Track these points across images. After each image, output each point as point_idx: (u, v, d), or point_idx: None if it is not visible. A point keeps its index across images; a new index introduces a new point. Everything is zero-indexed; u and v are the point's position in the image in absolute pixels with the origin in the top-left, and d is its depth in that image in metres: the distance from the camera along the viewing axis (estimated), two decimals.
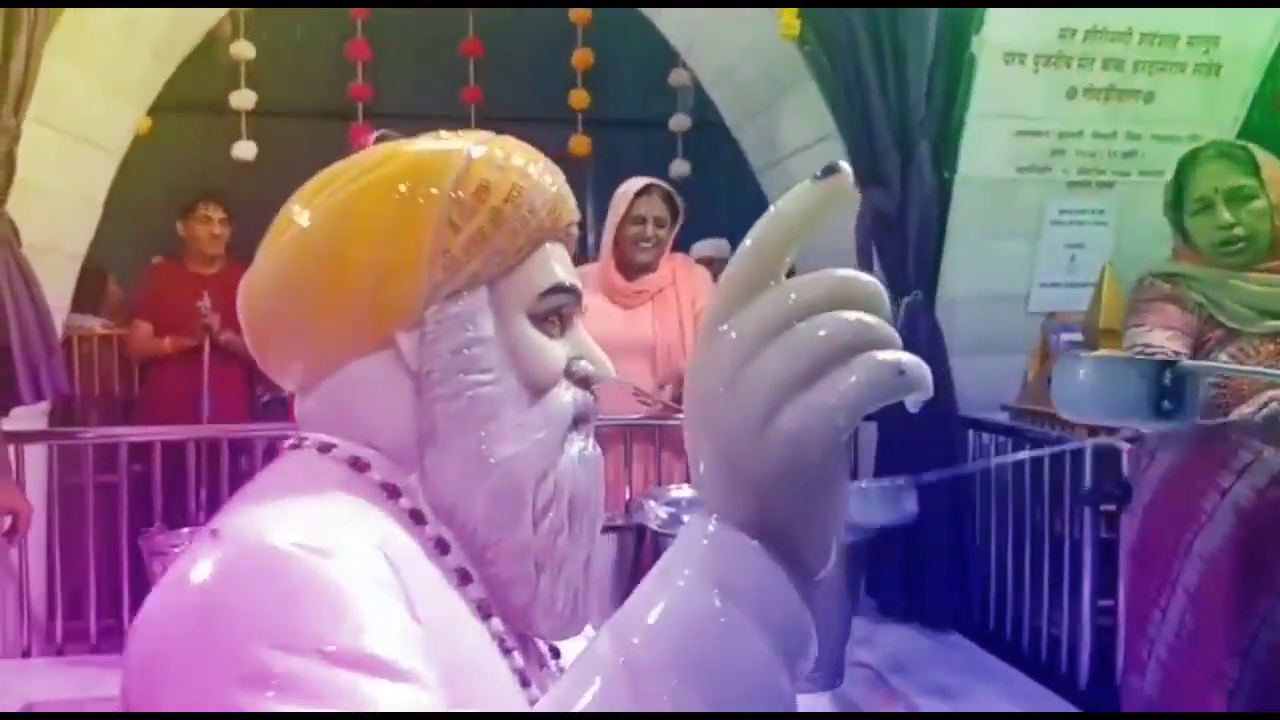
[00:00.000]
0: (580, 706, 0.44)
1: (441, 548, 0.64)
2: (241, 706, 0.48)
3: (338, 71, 4.08)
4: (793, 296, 0.44)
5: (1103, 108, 2.80)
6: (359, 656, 0.51)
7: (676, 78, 4.06)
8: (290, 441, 0.68)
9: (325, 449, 0.66)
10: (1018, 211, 2.82)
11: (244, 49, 3.82)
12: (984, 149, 2.75)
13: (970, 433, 2.80)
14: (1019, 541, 2.67)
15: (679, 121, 4.18)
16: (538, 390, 0.66)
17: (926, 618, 2.73)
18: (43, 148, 2.62)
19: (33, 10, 2.47)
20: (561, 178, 0.72)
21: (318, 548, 0.54)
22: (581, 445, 0.68)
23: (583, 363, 0.69)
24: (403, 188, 0.67)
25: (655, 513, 2.62)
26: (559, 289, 0.68)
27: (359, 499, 0.63)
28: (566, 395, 0.67)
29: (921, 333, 2.75)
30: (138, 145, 3.14)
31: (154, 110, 3.27)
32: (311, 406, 0.69)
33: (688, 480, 2.82)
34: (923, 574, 2.73)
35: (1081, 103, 2.78)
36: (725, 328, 0.44)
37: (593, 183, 5.87)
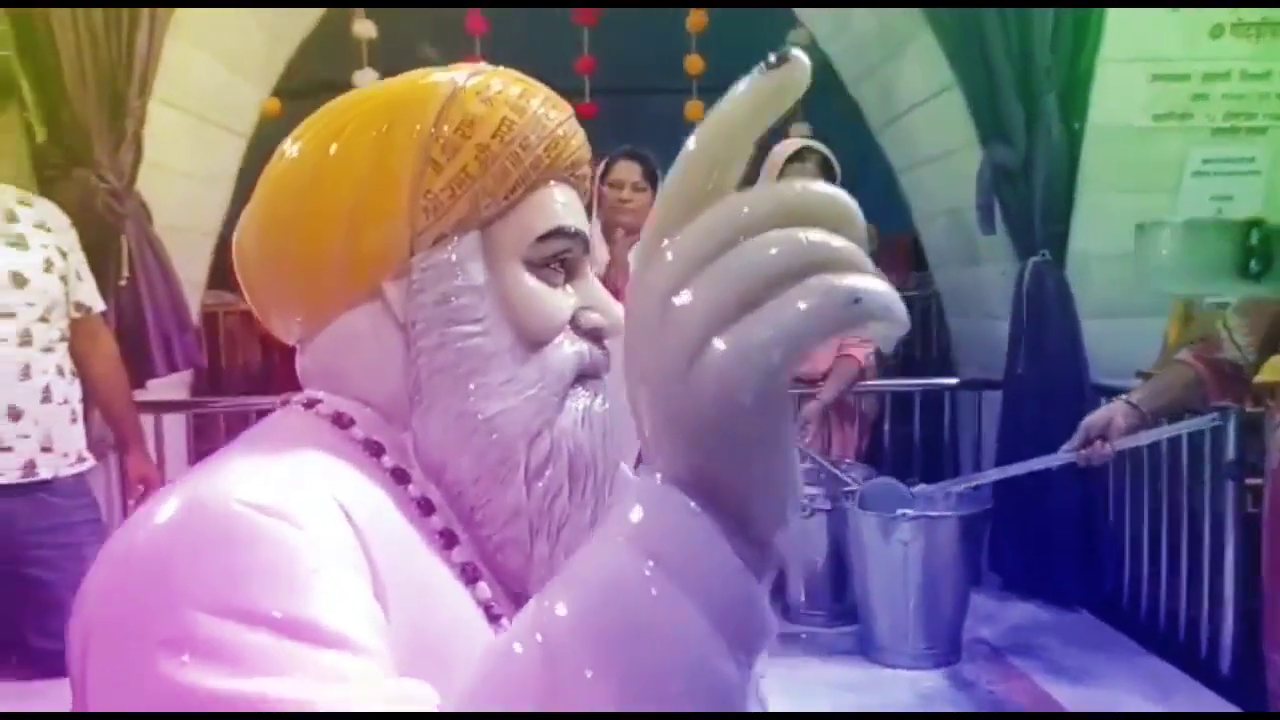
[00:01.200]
0: (491, 687, 0.40)
1: (425, 508, 0.61)
2: (158, 670, 0.45)
3: (457, 47, 4.12)
4: (744, 210, 0.37)
5: (1253, 46, 2.57)
6: (294, 622, 0.47)
7: (794, 37, 3.94)
8: (282, 398, 0.66)
9: (311, 405, 0.63)
10: (1155, 163, 2.62)
11: (366, 28, 3.90)
12: (1116, 96, 2.56)
13: (1103, 401, 2.63)
14: (1155, 515, 2.50)
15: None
16: (535, 343, 0.62)
17: (1053, 595, 2.59)
18: (170, 129, 2.74)
19: None
20: (569, 113, 0.66)
21: (270, 508, 0.51)
22: (586, 402, 0.63)
23: (591, 314, 0.64)
24: (383, 125, 0.63)
25: None
26: (560, 233, 0.63)
27: (336, 457, 0.60)
28: (570, 348, 0.63)
29: (1049, 295, 2.59)
30: (266, 126, 3.25)
31: (281, 93, 3.38)
32: (307, 362, 0.67)
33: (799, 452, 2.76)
34: (1049, 549, 2.59)
35: (1229, 41, 2.56)
36: (664, 247, 0.38)
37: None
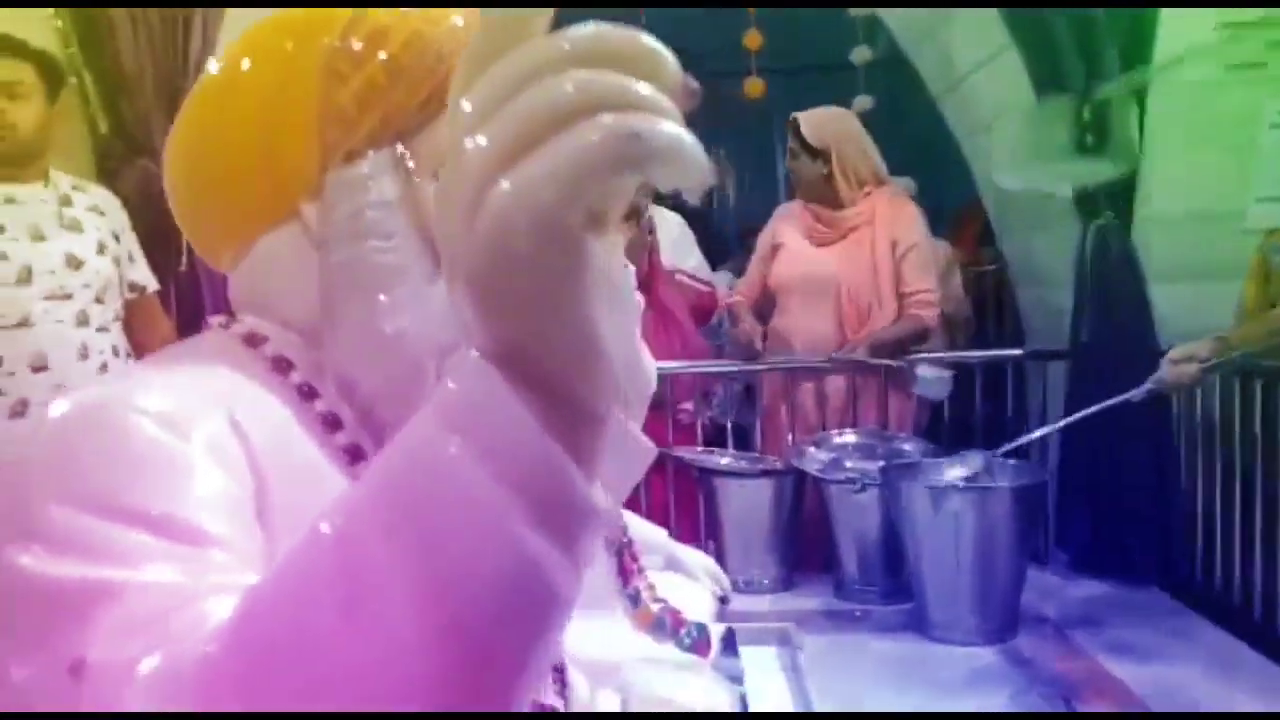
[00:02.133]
0: (293, 565, 0.38)
1: (331, 424, 0.61)
2: (13, 561, 0.46)
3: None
4: (538, 53, 0.35)
5: None
6: (142, 513, 0.47)
7: (857, 10, 3.86)
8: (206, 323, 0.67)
9: (227, 326, 0.64)
10: (1228, 116, 2.47)
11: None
12: (1183, 47, 2.42)
13: None
14: (1229, 488, 2.37)
15: (860, 54, 3.97)
16: None
17: (1122, 572, 2.48)
18: None
19: None
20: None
21: (147, 410, 0.52)
22: None
23: None
24: (292, 39, 0.62)
25: (815, 458, 2.52)
26: None
27: (241, 373, 0.60)
28: None
29: (1114, 258, 2.48)
30: None
31: None
32: (234, 288, 0.67)
33: (854, 425, 2.69)
34: (1118, 524, 2.48)
35: None
36: (462, 100, 0.36)
37: (777, 124, 5.74)
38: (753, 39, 3.96)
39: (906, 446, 2.57)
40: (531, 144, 0.34)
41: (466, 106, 0.36)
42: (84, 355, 2.13)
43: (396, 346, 0.60)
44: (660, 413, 2.73)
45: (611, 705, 1.18)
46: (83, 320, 2.13)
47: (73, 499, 0.47)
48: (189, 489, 0.50)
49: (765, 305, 2.93)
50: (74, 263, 2.12)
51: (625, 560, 1.49)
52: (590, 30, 0.36)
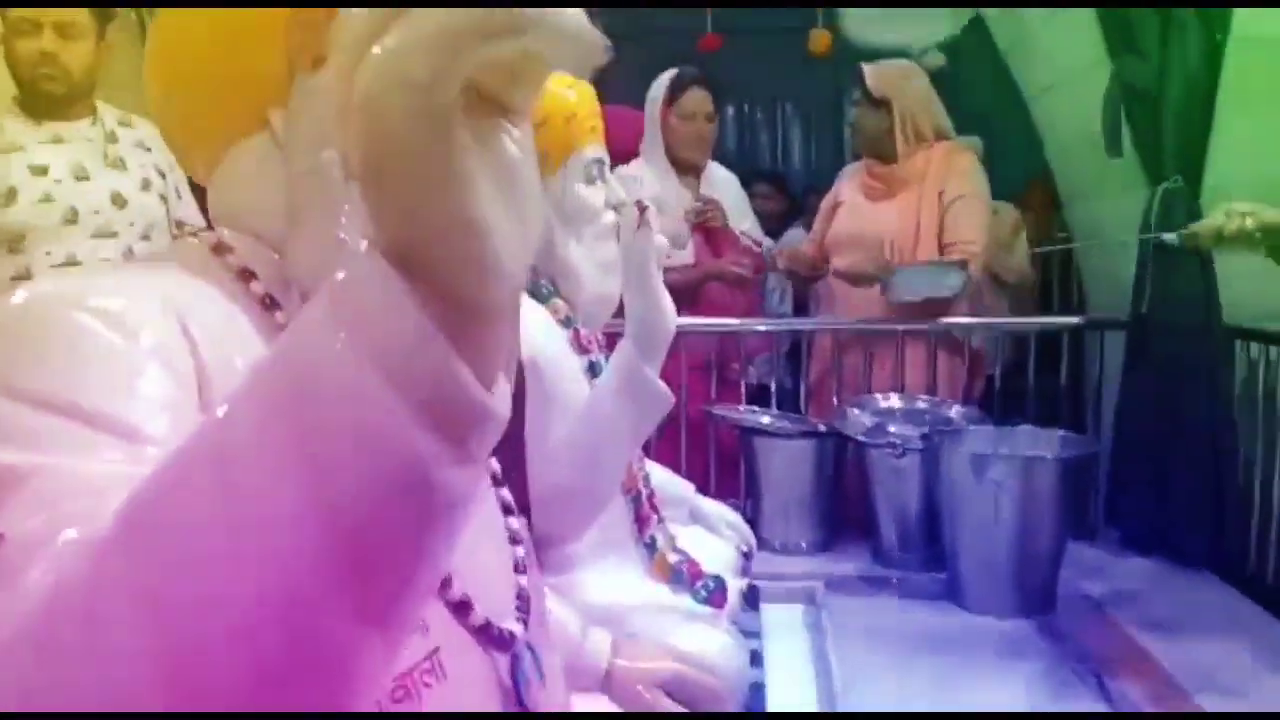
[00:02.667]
0: (179, 451, 0.38)
1: None
2: None
3: None
4: None
5: None
6: (76, 405, 0.47)
7: None
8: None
9: (196, 235, 0.65)
10: None
11: None
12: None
13: (1238, 344, 2.40)
14: None
15: (934, 59, 3.84)
16: None
17: (1173, 553, 2.40)
18: None
19: None
20: None
21: (90, 305, 0.52)
22: None
23: None
24: None
25: (858, 421, 2.48)
26: None
27: (202, 280, 0.60)
28: None
29: (1180, 226, 2.37)
30: None
31: None
32: (210, 200, 0.67)
33: (900, 389, 2.64)
34: (1171, 502, 2.40)
35: None
36: None
37: (848, 82, 5.61)
38: None
39: (953, 413, 2.51)
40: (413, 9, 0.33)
41: None
42: None
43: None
44: (706, 370, 2.71)
45: (603, 645, 1.18)
46: (129, 258, 2.18)
47: (9, 388, 0.48)
48: (127, 386, 0.50)
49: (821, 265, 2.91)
50: (119, 201, 2.16)
51: (643, 509, 1.49)
52: None
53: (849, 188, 2.86)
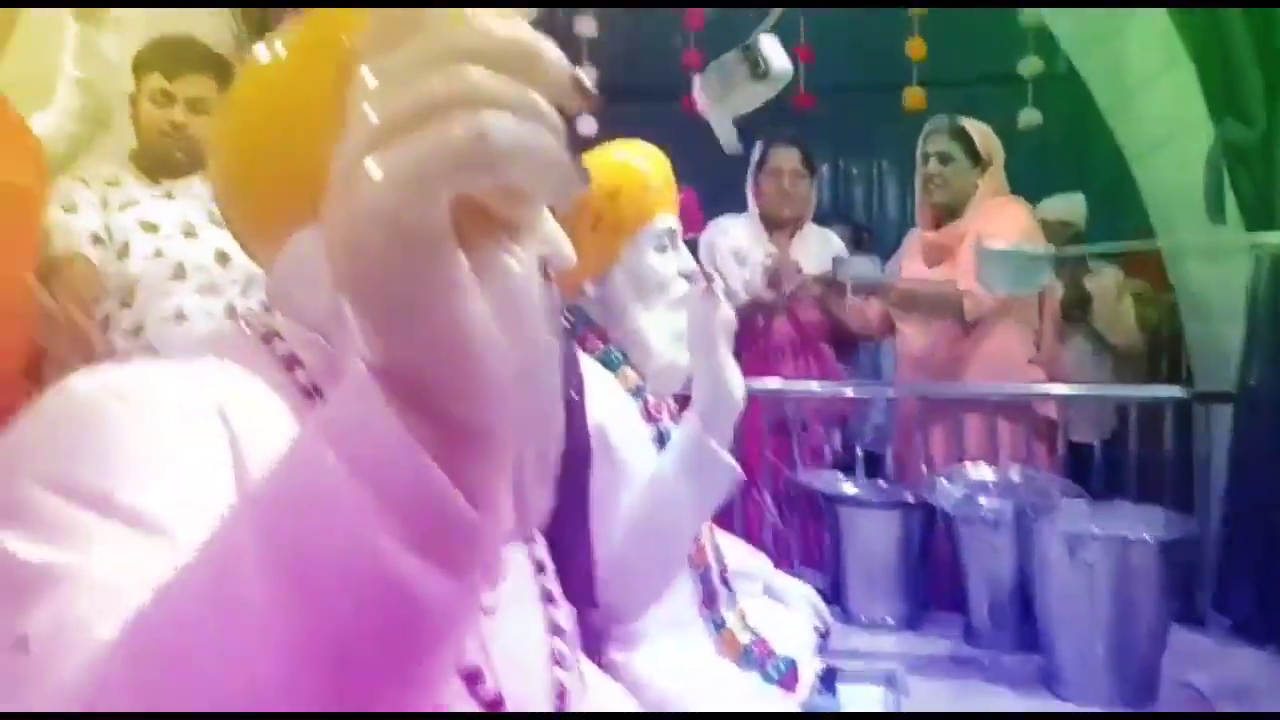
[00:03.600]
0: (194, 560, 0.39)
1: None
2: None
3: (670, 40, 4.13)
4: (424, 42, 0.35)
5: None
6: (113, 502, 0.48)
7: (1028, 18, 3.67)
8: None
9: (248, 321, 0.66)
10: None
11: (587, 25, 3.96)
12: None
13: None
14: None
15: (1031, 65, 3.76)
16: None
17: None
18: None
19: None
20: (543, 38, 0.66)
21: (119, 391, 0.53)
22: None
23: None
24: (316, 37, 0.64)
25: (948, 492, 2.39)
26: None
27: (247, 369, 0.61)
28: None
29: None
30: None
31: None
32: (267, 286, 0.69)
33: (994, 460, 2.55)
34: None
35: None
36: (359, 81, 0.36)
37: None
38: (915, 48, 3.81)
39: (1049, 487, 2.41)
40: (391, 142, 0.34)
41: (360, 86, 0.36)
42: None
43: None
44: (786, 435, 2.66)
45: None
46: (231, 313, 2.25)
47: (44, 481, 0.49)
48: (162, 481, 0.51)
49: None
50: (222, 258, 2.24)
51: (712, 584, 1.45)
52: (476, 22, 0.35)
53: (910, 255, 2.83)
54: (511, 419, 0.38)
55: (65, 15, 2.15)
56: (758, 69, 1.34)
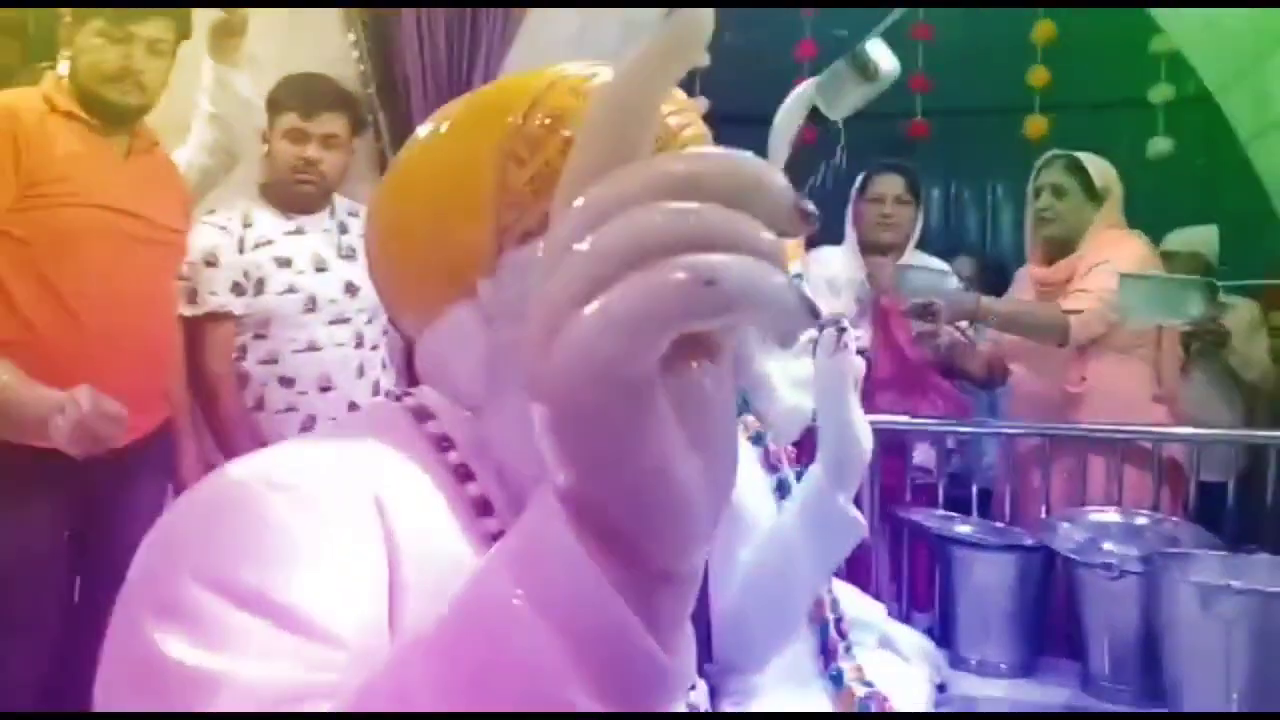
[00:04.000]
0: (356, 695, 0.40)
1: (484, 509, 0.61)
2: (145, 632, 0.48)
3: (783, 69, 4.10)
4: (624, 183, 0.33)
5: None
6: (267, 601, 0.48)
7: (1157, 43, 3.55)
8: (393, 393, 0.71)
9: (399, 398, 0.66)
10: None
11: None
12: None
13: None
14: None
15: (1161, 92, 3.63)
16: None
17: None
18: None
19: (491, 21, 2.81)
20: (684, 107, 0.65)
21: (279, 483, 0.53)
22: None
23: None
24: (475, 119, 0.64)
25: (1069, 535, 2.32)
26: None
27: (399, 449, 0.61)
28: None
29: None
30: None
31: None
32: (418, 359, 0.69)
33: (1117, 503, 2.45)
34: None
35: None
36: (558, 226, 0.35)
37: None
38: (1038, 76, 3.71)
39: (1178, 533, 2.31)
40: (607, 281, 0.32)
41: (558, 232, 0.34)
42: (360, 373, 2.31)
43: None
44: (900, 470, 2.61)
45: None
46: (359, 341, 2.32)
47: (203, 578, 0.49)
48: (318, 578, 0.51)
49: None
50: (351, 289, 2.31)
51: (830, 639, 1.43)
52: (693, 154, 0.34)
53: (1023, 286, 2.76)
54: (699, 557, 0.37)
55: (203, 55, 2.25)
56: (867, 70, 1.36)
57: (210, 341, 2.26)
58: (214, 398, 2.27)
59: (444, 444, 0.63)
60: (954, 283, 2.53)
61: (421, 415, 0.65)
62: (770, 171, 0.33)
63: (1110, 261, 2.45)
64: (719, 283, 0.31)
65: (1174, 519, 2.37)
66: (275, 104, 2.31)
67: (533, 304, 0.34)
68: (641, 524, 0.34)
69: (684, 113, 0.65)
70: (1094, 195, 2.57)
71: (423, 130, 0.68)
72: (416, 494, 0.59)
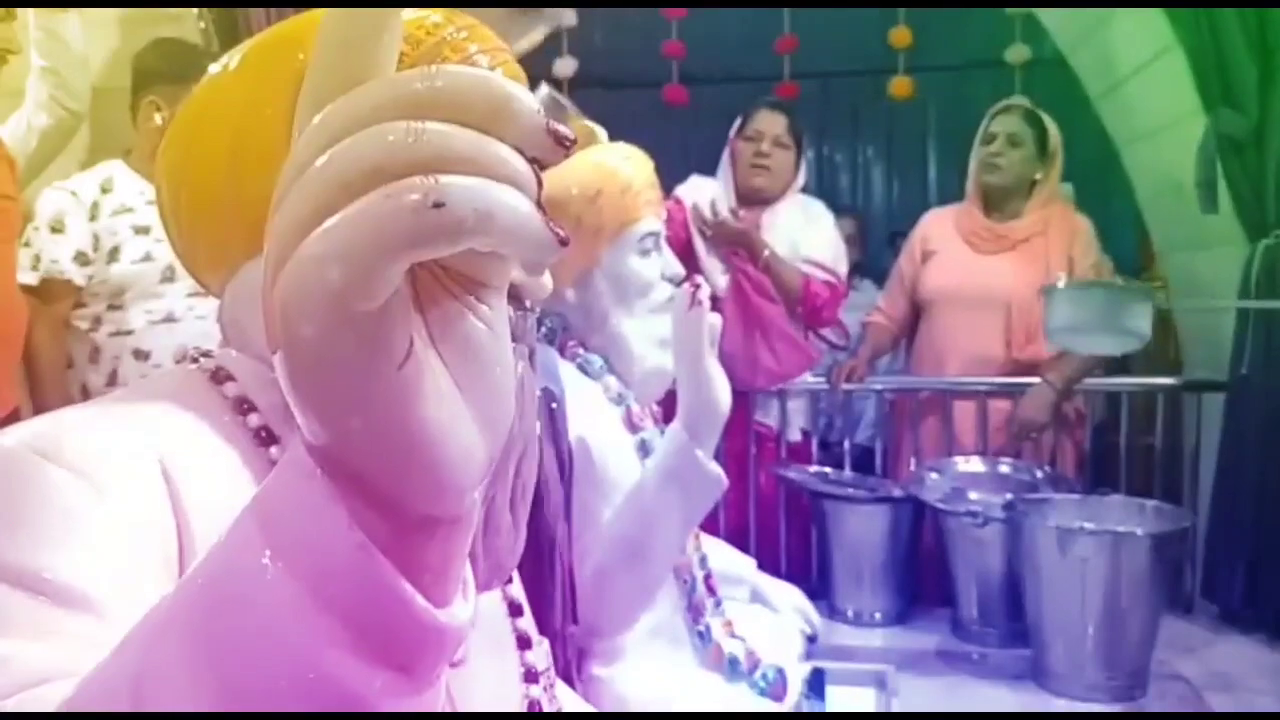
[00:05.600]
0: (115, 652, 0.36)
1: None
2: None
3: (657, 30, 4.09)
4: (358, 101, 0.31)
5: None
6: (25, 573, 0.45)
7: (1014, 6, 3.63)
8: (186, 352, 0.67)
9: (196, 360, 0.62)
10: None
11: (568, 16, 3.92)
12: None
13: None
14: None
15: (1016, 52, 3.73)
16: None
17: (1276, 631, 2.24)
18: None
19: None
20: (499, 46, 0.62)
21: (54, 454, 0.49)
22: None
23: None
24: (266, 59, 0.60)
25: (936, 486, 2.38)
26: None
27: (192, 413, 0.57)
28: None
29: None
30: None
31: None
32: (219, 315, 0.65)
33: (983, 453, 2.53)
34: (1274, 576, 2.24)
35: None
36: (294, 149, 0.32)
37: (934, 125, 5.50)
38: (900, 36, 3.77)
39: (1039, 480, 2.40)
40: (336, 207, 0.29)
41: (298, 145, 0.31)
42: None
43: None
44: (772, 430, 2.64)
45: None
46: (181, 352, 2.22)
47: None
48: (90, 551, 0.47)
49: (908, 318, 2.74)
50: None
51: (697, 595, 1.43)
52: (437, 70, 0.31)
53: (944, 235, 2.65)
54: (477, 499, 0.34)
55: (29, 15, 2.11)
56: None
57: (42, 313, 2.14)
58: (37, 378, 2.15)
59: (244, 406, 0.60)
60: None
61: (220, 377, 0.61)
62: (521, 92, 0.31)
63: (1095, 265, 2.47)
64: (448, 205, 0.29)
65: (1035, 465, 2.46)
66: (152, 73, 2.19)
67: (266, 235, 0.31)
68: (389, 470, 0.32)
69: (495, 53, 0.62)
70: (1045, 152, 2.56)
71: (212, 70, 0.63)
72: (209, 460, 0.56)
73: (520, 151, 0.31)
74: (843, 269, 2.66)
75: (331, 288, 0.29)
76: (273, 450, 0.59)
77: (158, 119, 2.17)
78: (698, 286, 1.22)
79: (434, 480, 0.32)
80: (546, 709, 0.70)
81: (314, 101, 0.32)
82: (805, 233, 2.61)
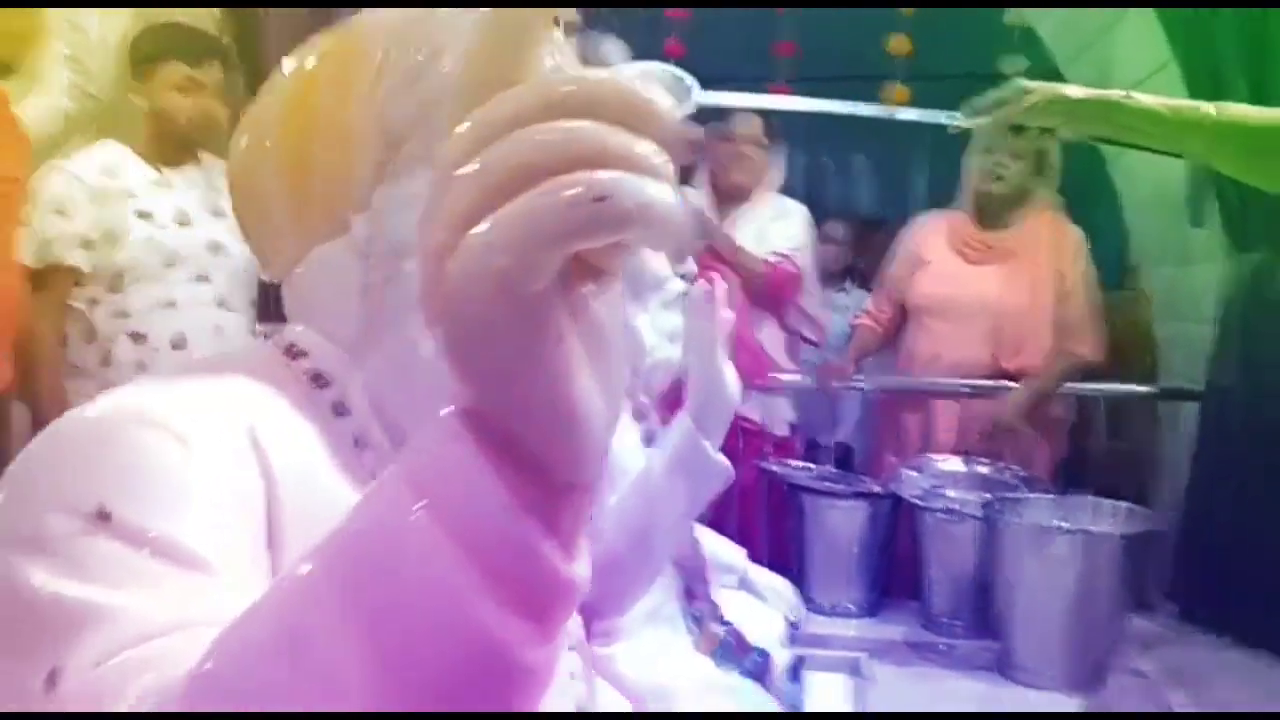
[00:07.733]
0: (261, 601, 0.38)
1: (361, 444, 0.61)
2: (13, 568, 0.46)
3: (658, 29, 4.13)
4: (513, 103, 0.33)
5: None
6: (137, 531, 0.47)
7: (1012, 17, 3.70)
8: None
9: (269, 336, 0.65)
10: None
11: (566, 15, 3.95)
12: None
13: None
14: None
15: (1012, 63, 3.80)
16: None
17: (1237, 632, 2.32)
18: None
19: None
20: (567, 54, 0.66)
21: (152, 420, 0.52)
22: None
23: None
24: (352, 51, 0.63)
25: (914, 484, 2.45)
26: None
27: (272, 386, 0.60)
28: None
29: (1266, 299, 2.29)
30: None
31: None
32: (286, 297, 0.68)
33: (962, 452, 2.61)
34: (1236, 579, 2.33)
35: None
36: (452, 137, 0.34)
37: (929, 133, 5.53)
38: (899, 44, 3.83)
39: (1015, 480, 2.48)
40: (501, 198, 0.32)
41: (451, 147, 0.34)
42: (218, 334, 2.25)
43: (428, 369, 0.57)
44: (758, 426, 2.70)
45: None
46: (221, 303, 2.26)
47: (74, 512, 0.48)
48: (191, 509, 0.50)
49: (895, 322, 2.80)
50: (215, 248, 2.24)
51: (693, 580, 1.50)
52: (582, 76, 0.34)
53: (934, 244, 2.68)
54: (598, 471, 0.37)
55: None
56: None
57: (42, 296, 2.15)
58: (33, 362, 2.14)
59: (319, 380, 0.62)
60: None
61: (293, 353, 0.64)
62: (660, 95, 0.34)
63: (1088, 284, 2.53)
64: (611, 198, 0.31)
65: (1012, 466, 2.54)
66: (154, 54, 2.21)
67: (422, 228, 0.34)
68: (542, 437, 0.35)
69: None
70: (1044, 167, 2.59)
71: (289, 65, 0.66)
72: (292, 429, 0.59)
73: None
74: (803, 259, 2.75)
75: (503, 272, 0.32)
76: (347, 422, 0.62)
77: (165, 100, 2.19)
78: (712, 283, 1.28)
79: (578, 448, 0.35)
80: (583, 679, 0.74)
81: (465, 101, 0.37)
82: (773, 226, 2.70)
